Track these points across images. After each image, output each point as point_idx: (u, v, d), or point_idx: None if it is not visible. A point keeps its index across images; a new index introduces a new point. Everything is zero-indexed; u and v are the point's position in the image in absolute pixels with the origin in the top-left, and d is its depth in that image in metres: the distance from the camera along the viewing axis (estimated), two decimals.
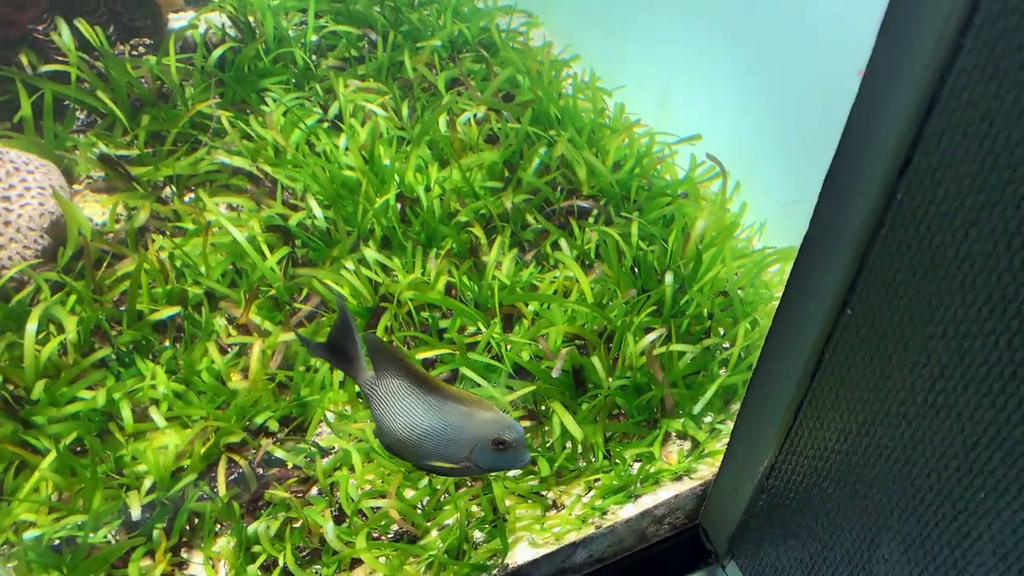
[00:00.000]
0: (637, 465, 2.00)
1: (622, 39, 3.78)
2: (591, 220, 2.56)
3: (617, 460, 1.98)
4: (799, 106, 2.75)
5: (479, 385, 2.05)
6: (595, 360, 2.04)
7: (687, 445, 2.08)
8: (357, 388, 1.61)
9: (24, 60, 2.93)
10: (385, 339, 2.21)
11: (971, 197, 0.96)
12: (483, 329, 2.18)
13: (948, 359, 1.08)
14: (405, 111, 2.89)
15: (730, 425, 2.11)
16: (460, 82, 3.15)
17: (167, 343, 2.31)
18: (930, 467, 1.18)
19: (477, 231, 2.46)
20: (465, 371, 2.07)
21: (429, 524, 1.88)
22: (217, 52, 3.16)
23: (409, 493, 1.95)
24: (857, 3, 2.22)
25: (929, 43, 0.95)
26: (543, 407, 2.08)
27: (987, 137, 0.92)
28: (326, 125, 2.91)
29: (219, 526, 1.95)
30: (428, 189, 2.53)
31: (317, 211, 2.45)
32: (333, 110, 2.93)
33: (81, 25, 3.01)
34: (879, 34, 1.04)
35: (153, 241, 2.54)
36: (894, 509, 1.27)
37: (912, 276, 1.11)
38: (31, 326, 2.09)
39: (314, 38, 3.49)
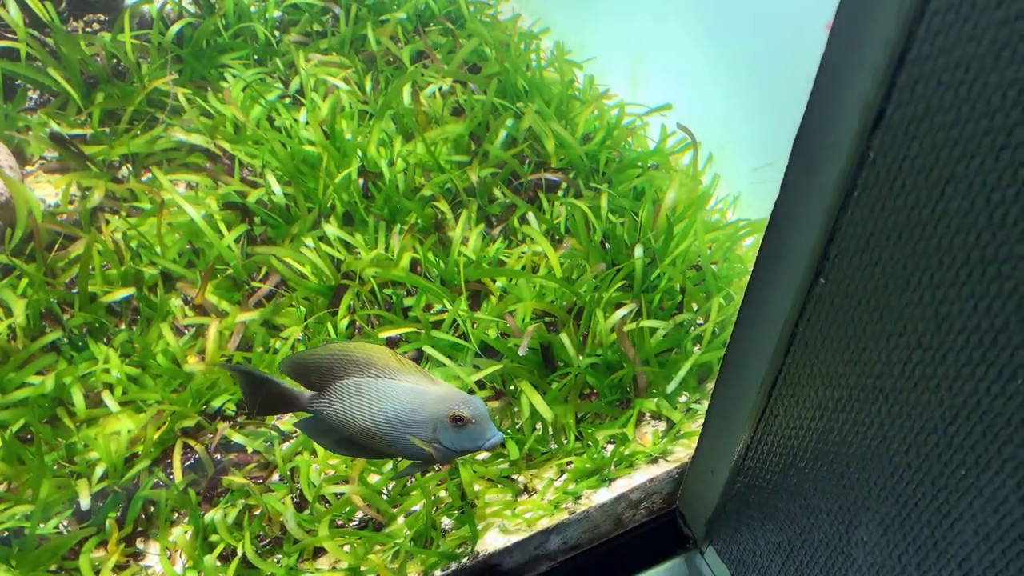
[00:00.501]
0: (611, 447, 1.93)
1: (592, 11, 3.69)
2: (560, 193, 2.48)
3: (589, 442, 1.91)
4: (771, 72, 2.68)
5: (444, 365, 1.97)
6: (564, 337, 1.97)
7: (662, 426, 2.01)
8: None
9: None
10: (347, 318, 2.13)
11: (947, 151, 0.89)
12: (449, 307, 2.10)
13: (925, 327, 1.02)
14: (369, 85, 2.78)
15: (706, 405, 2.04)
16: (426, 55, 3.05)
17: (123, 326, 2.21)
18: (908, 443, 1.11)
19: (442, 205, 2.37)
20: (429, 350, 1.99)
21: (395, 511, 1.81)
22: (175, 27, 3.04)
23: (373, 478, 1.87)
24: None
25: None
26: (511, 387, 2.00)
27: (963, 84, 0.85)
28: (287, 100, 2.80)
29: (175, 515, 1.86)
30: (392, 163, 2.44)
31: (276, 187, 2.35)
32: (294, 85, 2.82)
33: (33, 2, 2.87)
34: None
35: (108, 222, 2.43)
36: (872, 488, 1.21)
37: (887, 240, 1.03)
38: None
39: (277, 13, 3.37)
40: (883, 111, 0.97)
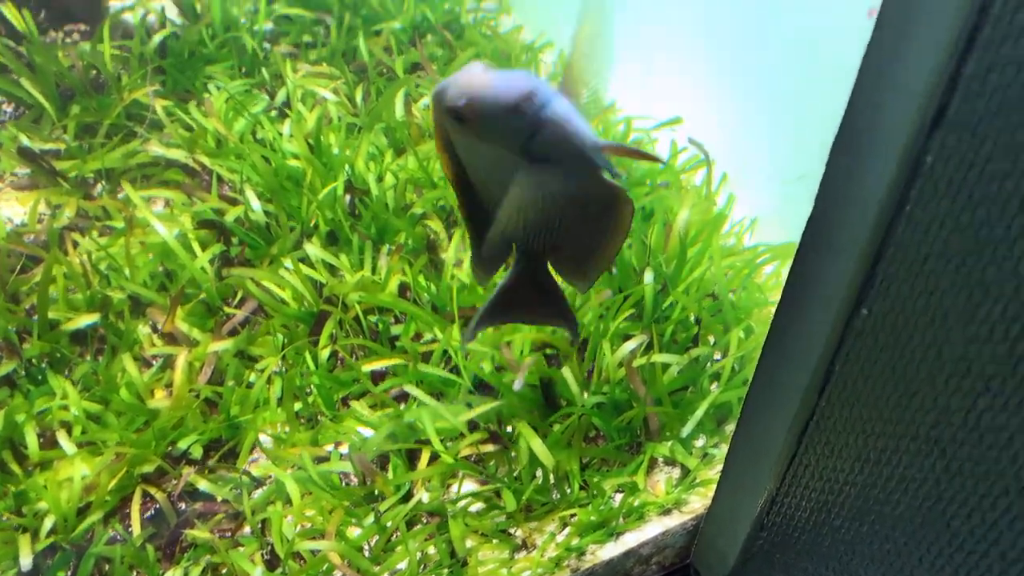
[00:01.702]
0: (619, 497, 1.75)
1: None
2: None
3: (595, 492, 1.74)
4: (794, 83, 2.53)
5: (426, 404, 1.81)
6: (567, 372, 1.80)
7: (676, 473, 1.84)
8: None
9: None
10: (328, 348, 1.97)
11: None
12: (440, 336, 1.94)
13: (996, 369, 0.86)
14: (359, 96, 2.65)
15: (724, 450, 1.87)
16: (421, 67, 2.91)
17: (87, 356, 2.06)
18: (971, 506, 0.94)
19: (435, 224, 2.22)
20: (410, 389, 1.83)
21: (377, 569, 1.63)
22: (157, 37, 2.92)
23: (354, 532, 1.70)
24: None
25: None
26: (508, 428, 1.84)
27: None
28: (273, 113, 2.67)
29: (133, 573, 1.69)
30: (380, 178, 2.29)
31: (255, 204, 2.21)
32: (280, 96, 2.69)
33: (6, 9, 2.76)
34: None
35: (77, 244, 2.29)
36: (924, 557, 1.04)
37: (947, 264, 0.88)
38: None
39: (268, 25, 3.26)
40: (944, 106, 0.81)
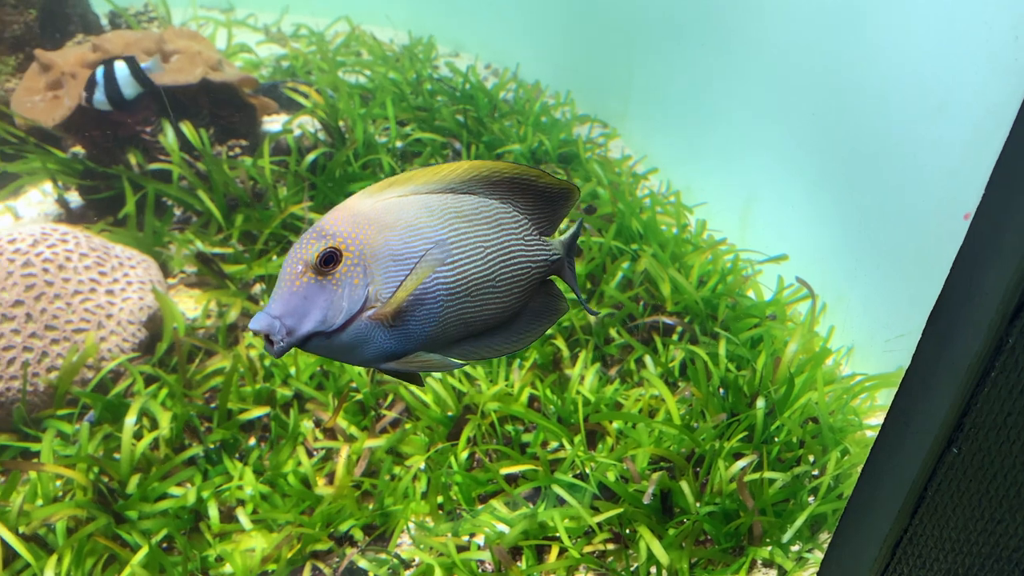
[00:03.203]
0: None
1: (698, 149, 3.94)
2: (675, 338, 2.65)
3: None
4: (887, 222, 2.83)
5: (564, 502, 2.11)
6: (684, 484, 2.10)
7: (773, 574, 2.10)
8: None
9: (132, 159, 3.19)
10: (467, 450, 2.30)
11: None
12: (566, 445, 2.26)
13: None
14: None
15: (818, 555, 2.13)
16: None
17: (252, 442, 2.43)
18: None
19: (560, 343, 2.57)
20: (546, 492, 2.14)
21: None
22: (310, 156, 3.40)
23: None
24: (956, 121, 2.31)
25: None
26: (627, 530, 2.13)
27: None
28: None
29: None
30: None
31: None
32: None
33: (186, 128, 3.27)
34: (992, 180, 1.12)
35: (244, 340, 2.70)
36: None
37: None
38: (130, 420, 2.24)
39: (399, 144, 3.73)
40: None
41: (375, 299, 1.01)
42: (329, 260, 0.98)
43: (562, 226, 1.37)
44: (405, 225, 1.03)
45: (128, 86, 3.02)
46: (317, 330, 0.98)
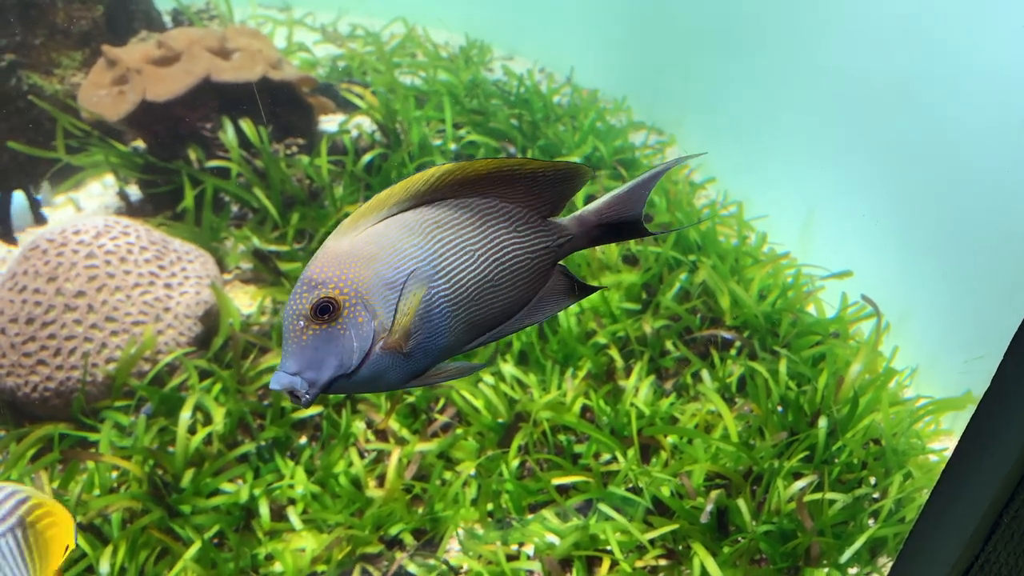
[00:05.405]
0: None
1: (757, 159, 3.88)
2: (733, 352, 2.61)
3: None
4: (956, 240, 2.75)
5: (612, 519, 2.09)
6: (741, 503, 2.06)
7: None
8: None
9: (192, 155, 3.23)
10: (518, 459, 2.29)
11: None
12: (619, 457, 2.23)
13: None
14: None
15: None
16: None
17: (303, 440, 2.44)
18: None
19: (614, 353, 2.54)
20: (602, 507, 2.12)
21: None
22: (366, 157, 3.41)
23: None
24: None
25: None
26: (680, 547, 2.09)
27: None
28: None
29: None
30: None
31: None
32: None
33: (246, 125, 3.30)
34: None
35: None
36: None
37: None
38: (185, 414, 2.26)
39: (453, 146, 3.73)
40: None
41: (383, 330, 1.01)
42: (326, 309, 0.98)
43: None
44: (390, 251, 1.03)
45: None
46: (337, 375, 0.99)
